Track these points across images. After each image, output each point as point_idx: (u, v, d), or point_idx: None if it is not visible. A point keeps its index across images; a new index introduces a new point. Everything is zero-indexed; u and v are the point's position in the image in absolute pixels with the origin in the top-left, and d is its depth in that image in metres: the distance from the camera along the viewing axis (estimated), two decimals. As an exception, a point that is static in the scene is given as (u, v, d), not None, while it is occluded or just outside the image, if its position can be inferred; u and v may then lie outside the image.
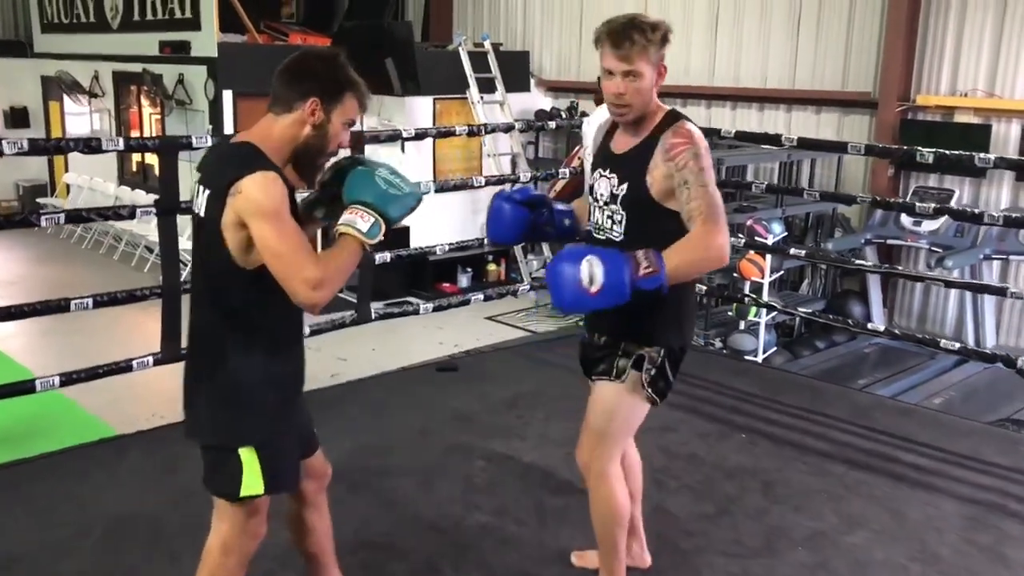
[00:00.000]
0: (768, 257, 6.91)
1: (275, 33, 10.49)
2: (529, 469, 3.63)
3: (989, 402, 6.27)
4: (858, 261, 6.69)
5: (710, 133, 4.62)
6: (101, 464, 3.63)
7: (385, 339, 6.96)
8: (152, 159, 8.42)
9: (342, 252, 2.05)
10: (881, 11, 7.79)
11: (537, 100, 10.45)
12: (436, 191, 5.13)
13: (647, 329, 2.43)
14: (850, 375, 6.75)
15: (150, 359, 4.07)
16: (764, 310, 6.83)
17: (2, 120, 11.95)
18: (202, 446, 2.17)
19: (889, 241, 7.49)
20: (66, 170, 11.62)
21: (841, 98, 8.15)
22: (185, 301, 3.33)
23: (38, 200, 11.78)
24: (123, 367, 4.03)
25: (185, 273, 4.45)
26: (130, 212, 4.28)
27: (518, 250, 9.25)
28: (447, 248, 5.36)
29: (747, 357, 6.82)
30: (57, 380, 3.87)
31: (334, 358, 6.33)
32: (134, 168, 10.70)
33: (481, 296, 5.41)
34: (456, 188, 6.14)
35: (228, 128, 8.65)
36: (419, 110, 9.39)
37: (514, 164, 9.45)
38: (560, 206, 2.73)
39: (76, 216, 4.34)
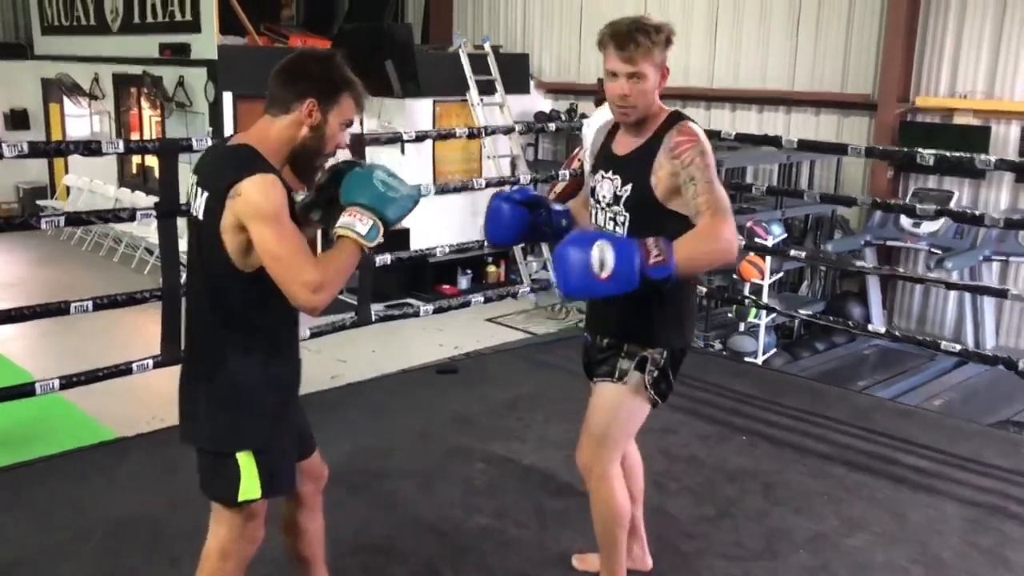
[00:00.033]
0: (768, 259, 6.91)
1: (275, 35, 10.47)
2: (529, 471, 3.63)
3: (989, 404, 6.26)
4: (858, 263, 6.69)
5: (710, 135, 4.58)
6: (101, 467, 3.63)
7: (385, 341, 6.96)
8: (152, 161, 8.39)
9: (341, 254, 2.04)
10: (880, 12, 7.78)
11: (537, 102, 10.43)
12: (436, 193, 5.13)
13: (649, 330, 2.44)
14: (850, 377, 6.73)
15: (150, 362, 4.07)
16: (764, 312, 6.83)
17: (2, 122, 11.93)
18: (199, 450, 2.16)
19: (889, 243, 7.48)
20: (66, 172, 11.60)
21: (840, 100, 8.14)
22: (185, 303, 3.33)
23: (38, 202, 11.78)
24: (123, 370, 4.03)
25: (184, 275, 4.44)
26: (130, 214, 4.29)
27: (518, 252, 9.24)
28: (447, 250, 5.35)
29: (747, 359, 6.81)
30: (57, 383, 3.86)
31: (334, 360, 6.33)
32: (134, 170, 10.68)
33: (481, 298, 5.41)
34: (456, 190, 6.15)
35: (228, 130, 8.63)
36: (419, 112, 9.37)
37: (514, 166, 9.43)
38: (557, 206, 2.73)
39: (76, 218, 4.34)
